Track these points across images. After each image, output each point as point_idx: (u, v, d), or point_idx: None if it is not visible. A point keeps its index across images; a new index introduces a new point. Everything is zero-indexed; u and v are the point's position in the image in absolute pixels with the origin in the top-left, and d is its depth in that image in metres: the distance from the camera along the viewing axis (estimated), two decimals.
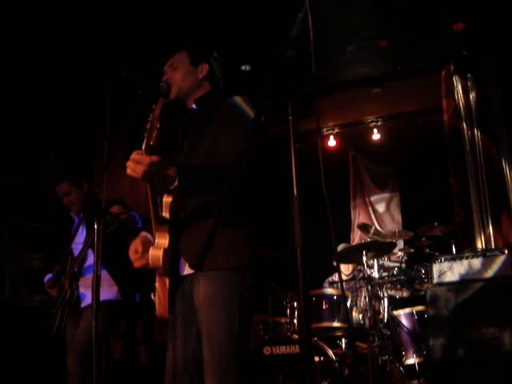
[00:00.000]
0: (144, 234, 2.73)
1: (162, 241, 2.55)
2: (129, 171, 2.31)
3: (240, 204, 2.50)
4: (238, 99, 2.72)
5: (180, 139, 2.79)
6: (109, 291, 4.41)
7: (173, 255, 2.57)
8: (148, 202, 2.55)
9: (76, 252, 4.52)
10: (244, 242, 2.60)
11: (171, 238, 2.56)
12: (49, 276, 4.61)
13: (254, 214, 2.69)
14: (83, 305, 4.46)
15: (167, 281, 2.61)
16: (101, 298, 4.02)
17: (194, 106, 2.86)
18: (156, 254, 2.52)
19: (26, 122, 6.43)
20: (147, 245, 2.65)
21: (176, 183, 2.34)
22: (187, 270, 2.62)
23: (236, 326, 2.49)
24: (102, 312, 4.19)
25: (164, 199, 2.56)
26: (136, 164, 2.27)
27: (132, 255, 2.67)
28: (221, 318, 2.48)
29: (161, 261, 2.51)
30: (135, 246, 2.68)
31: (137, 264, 2.66)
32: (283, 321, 5.56)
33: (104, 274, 4.34)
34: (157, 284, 2.64)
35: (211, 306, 2.50)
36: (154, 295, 2.66)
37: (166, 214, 2.56)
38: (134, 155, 2.30)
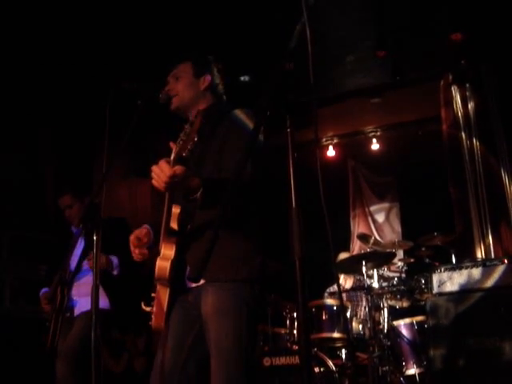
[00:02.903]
0: (148, 227, 2.73)
1: (168, 252, 2.52)
2: (153, 181, 2.31)
3: (250, 215, 2.54)
4: (239, 112, 2.71)
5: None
6: (101, 299, 4.40)
7: (178, 267, 2.56)
8: (162, 211, 2.54)
9: (72, 263, 4.50)
10: (254, 253, 2.60)
11: (178, 249, 2.55)
12: (45, 290, 4.58)
13: (262, 225, 2.69)
14: (76, 313, 4.43)
15: (167, 293, 2.59)
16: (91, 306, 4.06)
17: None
18: (163, 264, 2.50)
19: (26, 133, 6.43)
20: (149, 237, 2.66)
21: (198, 194, 2.34)
22: (195, 282, 2.61)
23: (244, 338, 2.49)
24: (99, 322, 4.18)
25: (172, 210, 2.55)
26: (159, 174, 2.28)
27: (133, 241, 2.66)
28: (230, 329, 2.47)
29: (168, 272, 2.49)
30: (138, 233, 2.68)
31: (136, 251, 2.65)
32: (283, 332, 5.54)
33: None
34: (156, 295, 2.62)
35: (220, 318, 2.49)
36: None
37: (173, 225, 2.56)
38: (160, 164, 2.29)
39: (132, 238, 2.69)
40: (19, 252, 6.15)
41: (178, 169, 2.27)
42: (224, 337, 2.47)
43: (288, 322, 5.44)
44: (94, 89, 5.73)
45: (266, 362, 4.84)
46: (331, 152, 8.44)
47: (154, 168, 2.29)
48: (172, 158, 2.35)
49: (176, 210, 2.55)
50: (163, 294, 2.59)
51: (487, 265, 4.39)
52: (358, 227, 8.92)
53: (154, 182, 2.31)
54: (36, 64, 5.89)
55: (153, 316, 2.62)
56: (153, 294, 2.64)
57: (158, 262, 2.51)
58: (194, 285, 2.61)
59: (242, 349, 2.48)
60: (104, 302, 4.41)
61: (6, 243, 6.10)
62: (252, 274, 2.56)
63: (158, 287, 2.61)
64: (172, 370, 2.58)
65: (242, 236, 2.55)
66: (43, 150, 6.76)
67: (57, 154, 6.83)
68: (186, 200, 2.41)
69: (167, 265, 2.50)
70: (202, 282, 2.56)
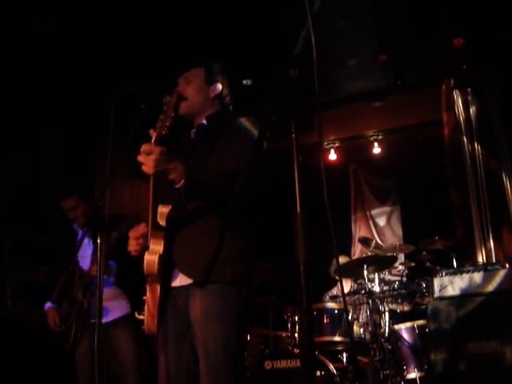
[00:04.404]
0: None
1: (157, 247, 2.52)
2: (142, 167, 2.35)
3: (239, 217, 2.51)
4: (244, 120, 2.75)
5: (187, 153, 2.81)
6: (124, 305, 4.42)
7: (166, 263, 2.56)
8: (148, 207, 2.55)
9: (83, 265, 4.49)
10: (241, 255, 2.60)
11: (166, 244, 2.55)
12: (49, 304, 4.53)
13: (252, 227, 2.70)
14: (105, 320, 4.39)
15: (158, 291, 2.57)
16: (123, 313, 4.19)
17: (204, 121, 2.88)
18: (151, 259, 2.49)
19: (29, 134, 6.45)
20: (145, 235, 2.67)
21: (182, 182, 2.37)
22: (180, 282, 2.61)
23: (232, 341, 2.50)
24: (133, 326, 4.23)
25: (160, 209, 2.55)
26: (147, 155, 2.33)
27: (133, 234, 2.68)
28: (218, 333, 2.48)
29: (156, 266, 2.48)
30: (137, 228, 2.69)
31: (133, 242, 2.66)
32: (284, 335, 5.54)
33: (118, 289, 4.39)
34: (147, 297, 2.59)
35: (208, 321, 2.49)
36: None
37: (161, 222, 2.56)
38: (144, 146, 2.35)
39: (131, 233, 2.70)
40: (21, 253, 6.16)
41: (164, 148, 2.35)
42: (212, 340, 2.47)
43: (289, 325, 5.44)
44: (97, 92, 5.75)
45: (267, 365, 4.84)
46: (333, 156, 8.45)
47: (142, 149, 2.35)
48: (153, 140, 2.41)
49: (164, 209, 2.55)
50: (153, 294, 2.56)
51: (488, 269, 4.39)
52: (359, 231, 8.92)
53: (143, 167, 2.35)
54: (41, 66, 5.90)
55: (144, 320, 2.58)
56: (144, 298, 2.62)
57: (146, 257, 2.50)
58: (178, 284, 2.61)
59: (231, 351, 2.49)
60: (127, 308, 4.41)
61: (7, 244, 6.10)
62: (238, 276, 2.56)
63: (148, 286, 2.58)
64: (178, 378, 2.58)
65: (231, 238, 2.52)
66: (46, 152, 6.77)
67: (59, 155, 6.84)
68: (173, 190, 2.43)
69: (155, 259, 2.49)
70: (189, 281, 2.57)
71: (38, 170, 6.68)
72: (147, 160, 2.33)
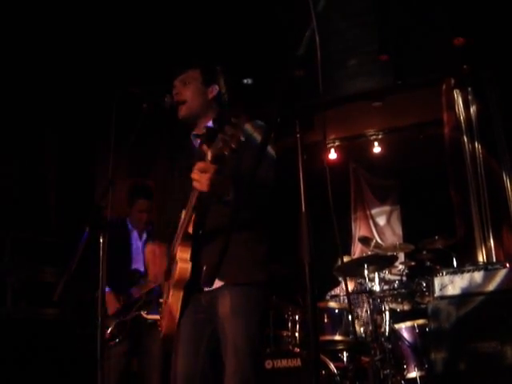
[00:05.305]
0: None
1: (185, 255, 2.55)
2: (194, 184, 2.32)
3: (265, 220, 2.60)
4: (248, 126, 2.69)
5: (199, 157, 2.79)
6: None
7: (193, 269, 2.58)
8: (186, 214, 2.56)
9: (139, 267, 4.53)
10: (267, 257, 2.66)
11: (193, 252, 2.57)
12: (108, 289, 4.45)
13: (271, 229, 2.72)
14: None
15: (181, 296, 2.59)
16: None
17: (210, 124, 2.80)
18: (184, 266, 2.53)
19: (29, 134, 6.44)
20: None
21: (231, 195, 2.36)
22: (214, 285, 2.61)
23: (257, 339, 2.55)
24: None
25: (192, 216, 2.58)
26: (201, 173, 2.29)
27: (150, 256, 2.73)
28: (245, 331, 2.52)
29: (189, 273, 2.52)
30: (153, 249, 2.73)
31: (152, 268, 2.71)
32: (285, 334, 5.54)
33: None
34: (166, 300, 2.62)
35: (237, 319, 2.53)
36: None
37: (189, 230, 2.58)
38: (200, 164, 2.31)
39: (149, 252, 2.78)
40: (21, 253, 6.15)
41: (214, 167, 2.29)
42: (240, 338, 2.51)
43: (290, 324, 5.44)
44: (98, 92, 5.75)
45: (268, 364, 4.83)
46: (333, 155, 8.46)
47: (196, 170, 2.30)
48: (209, 158, 2.31)
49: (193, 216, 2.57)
50: (176, 298, 2.59)
51: (489, 269, 4.40)
52: (359, 230, 8.93)
53: (195, 184, 2.32)
54: (43, 67, 5.90)
55: (162, 322, 2.62)
56: (161, 300, 2.64)
57: (179, 265, 2.53)
58: (213, 287, 2.61)
59: (255, 349, 2.54)
60: None
61: (7, 244, 6.09)
62: (267, 277, 2.62)
63: (171, 292, 2.60)
64: (192, 376, 2.60)
65: (261, 239, 2.61)
66: (46, 152, 6.77)
67: (59, 155, 6.83)
68: (219, 202, 2.41)
69: (188, 266, 2.52)
70: (219, 284, 2.58)
71: (38, 170, 6.67)
72: (202, 178, 2.29)
